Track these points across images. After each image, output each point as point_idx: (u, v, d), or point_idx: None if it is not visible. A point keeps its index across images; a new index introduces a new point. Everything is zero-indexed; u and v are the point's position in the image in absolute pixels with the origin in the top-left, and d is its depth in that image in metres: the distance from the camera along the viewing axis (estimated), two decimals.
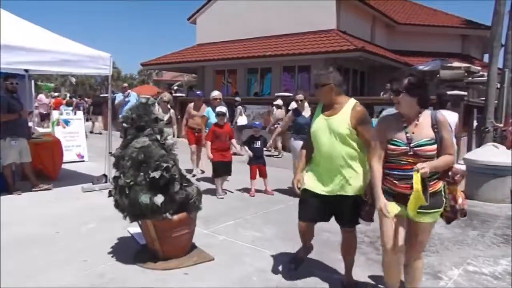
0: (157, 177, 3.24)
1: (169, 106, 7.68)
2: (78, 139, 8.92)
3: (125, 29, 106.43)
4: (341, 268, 3.19)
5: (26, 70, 6.91)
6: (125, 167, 3.34)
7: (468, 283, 3.22)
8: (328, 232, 3.99)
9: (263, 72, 15.62)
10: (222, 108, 6.04)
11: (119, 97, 11.14)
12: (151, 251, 3.48)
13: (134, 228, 3.81)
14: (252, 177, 6.10)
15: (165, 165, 3.31)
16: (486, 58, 15.70)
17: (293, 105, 10.33)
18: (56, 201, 5.44)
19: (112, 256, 3.54)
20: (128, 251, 3.62)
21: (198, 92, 8.50)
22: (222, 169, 5.88)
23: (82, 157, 8.81)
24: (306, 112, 5.70)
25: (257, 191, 6.13)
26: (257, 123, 6.94)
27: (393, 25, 17.33)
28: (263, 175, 6.15)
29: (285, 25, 14.73)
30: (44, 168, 6.68)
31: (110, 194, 3.50)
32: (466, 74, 10.35)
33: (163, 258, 3.40)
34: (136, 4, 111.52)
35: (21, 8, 56.90)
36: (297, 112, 5.90)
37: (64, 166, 7.29)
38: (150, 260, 3.40)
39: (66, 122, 8.95)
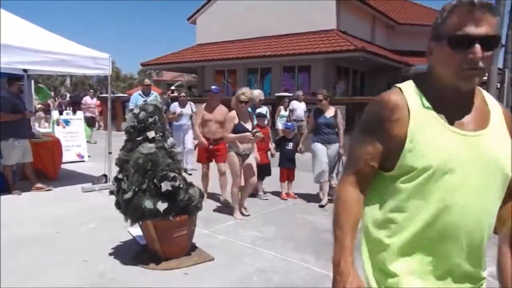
0: (164, 188, 3.24)
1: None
2: (78, 139, 8.92)
3: (125, 29, 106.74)
4: None
5: (25, 70, 6.90)
6: (129, 171, 3.34)
7: None
8: (328, 232, 3.97)
9: (263, 72, 15.62)
10: (263, 109, 5.86)
11: (135, 97, 7.59)
12: (151, 251, 3.48)
13: (134, 229, 3.81)
14: (283, 179, 5.98)
15: (172, 175, 3.32)
16: None
17: (293, 104, 10.35)
18: (56, 201, 5.44)
19: (112, 256, 3.54)
20: (128, 251, 3.62)
21: (214, 87, 5.85)
22: (265, 170, 5.80)
23: (82, 157, 8.80)
24: (329, 113, 5.46)
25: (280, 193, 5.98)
26: (289, 124, 6.85)
27: (393, 25, 17.33)
28: (290, 178, 6.01)
29: (285, 25, 14.72)
30: (44, 168, 6.67)
31: (111, 193, 3.51)
32: None
33: (163, 258, 3.40)
34: (136, 4, 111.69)
35: (21, 8, 56.97)
36: (318, 111, 5.59)
37: (64, 166, 7.29)
38: (150, 260, 3.40)
39: (66, 122, 8.96)
